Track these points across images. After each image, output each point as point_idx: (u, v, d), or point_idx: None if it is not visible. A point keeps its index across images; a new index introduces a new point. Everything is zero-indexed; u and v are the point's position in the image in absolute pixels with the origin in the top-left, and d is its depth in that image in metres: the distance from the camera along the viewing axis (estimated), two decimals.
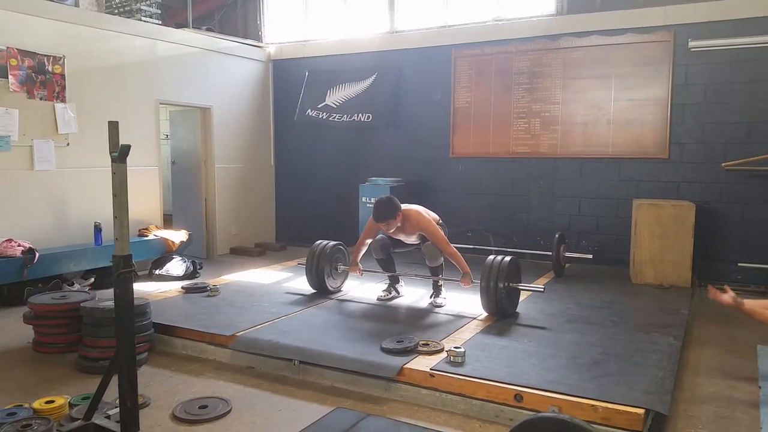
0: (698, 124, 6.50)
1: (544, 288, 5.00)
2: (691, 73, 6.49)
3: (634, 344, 4.07)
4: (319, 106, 8.61)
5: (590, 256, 6.47)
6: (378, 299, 5.30)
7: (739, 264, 6.29)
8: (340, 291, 5.58)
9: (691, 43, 6.35)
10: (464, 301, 5.15)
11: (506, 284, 4.63)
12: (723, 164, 6.26)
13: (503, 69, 7.43)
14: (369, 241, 5.31)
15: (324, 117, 8.55)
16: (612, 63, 6.82)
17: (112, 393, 2.94)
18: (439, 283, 5.23)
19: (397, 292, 5.42)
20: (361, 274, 5.43)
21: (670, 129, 6.60)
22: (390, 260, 5.40)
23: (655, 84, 6.63)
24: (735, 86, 6.31)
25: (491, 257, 4.81)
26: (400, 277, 5.52)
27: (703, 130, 6.48)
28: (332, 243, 5.54)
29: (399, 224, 4.98)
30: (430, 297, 5.23)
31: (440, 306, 5.06)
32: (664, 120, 6.62)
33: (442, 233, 5.07)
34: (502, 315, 4.68)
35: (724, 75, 6.34)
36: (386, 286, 5.45)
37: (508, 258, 4.76)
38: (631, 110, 6.77)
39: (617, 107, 6.84)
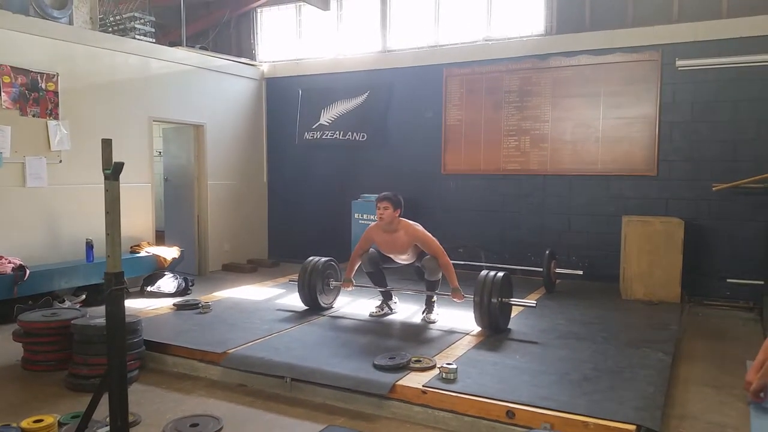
0: (686, 142, 6.59)
1: (536, 303, 5.03)
2: (679, 91, 6.59)
3: (624, 360, 4.09)
4: (314, 126, 8.70)
5: (581, 272, 6.52)
6: (370, 315, 5.31)
7: (728, 280, 6.35)
8: (332, 307, 5.58)
9: (679, 63, 6.46)
10: (456, 318, 5.17)
11: (499, 299, 4.65)
12: (713, 188, 6.31)
13: (494, 88, 7.52)
14: (360, 255, 5.34)
15: (319, 136, 8.63)
16: (601, 82, 6.92)
17: (102, 411, 2.92)
18: (433, 299, 5.23)
19: (390, 309, 5.42)
20: (352, 289, 5.45)
21: (659, 146, 6.69)
22: (380, 274, 5.40)
23: (643, 102, 6.73)
24: (721, 105, 6.41)
25: (484, 273, 4.84)
26: (393, 294, 5.52)
27: (690, 147, 6.57)
28: (324, 259, 5.55)
29: (395, 227, 5.05)
30: (423, 312, 5.23)
31: (433, 322, 5.07)
32: (652, 138, 6.71)
33: (438, 243, 5.10)
34: (494, 330, 4.70)
35: (711, 94, 6.45)
36: (379, 302, 5.46)
37: (500, 274, 4.79)
38: (620, 128, 6.86)
39: (606, 125, 6.93)
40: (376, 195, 7.77)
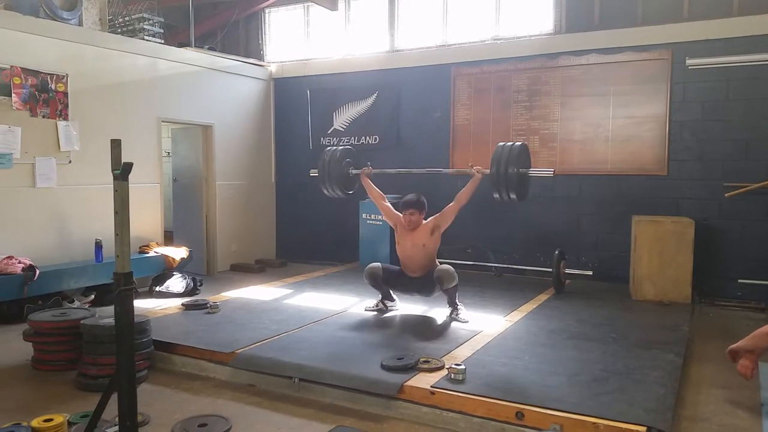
0: (696, 141, 6.54)
1: (553, 171, 5.02)
2: (689, 90, 6.54)
3: (635, 361, 4.06)
4: (329, 131, 8.71)
5: (590, 273, 6.48)
6: (366, 309, 5.41)
7: (739, 281, 6.29)
8: (354, 190, 5.89)
9: (689, 61, 6.41)
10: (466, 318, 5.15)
11: (516, 169, 4.60)
12: (726, 195, 6.21)
13: (502, 87, 7.49)
14: (381, 200, 5.53)
15: (336, 143, 8.66)
16: (610, 81, 6.88)
17: (111, 411, 2.93)
18: (456, 300, 5.19)
19: (385, 307, 5.43)
20: (371, 172, 5.69)
21: (669, 146, 6.64)
22: (378, 283, 5.39)
23: (653, 101, 6.69)
24: (732, 104, 6.35)
25: (501, 144, 4.89)
26: (393, 294, 5.52)
27: (701, 147, 6.52)
28: (341, 148, 5.75)
29: (417, 224, 5.23)
30: (450, 314, 5.18)
31: (464, 321, 5.01)
32: (662, 137, 6.66)
33: (448, 209, 5.27)
34: (513, 199, 4.75)
35: (721, 92, 6.39)
36: (376, 301, 5.50)
37: (518, 143, 4.81)
38: (630, 127, 6.82)
39: (615, 125, 6.88)
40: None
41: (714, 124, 6.45)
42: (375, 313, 5.38)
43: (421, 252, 5.23)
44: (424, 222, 5.27)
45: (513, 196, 4.76)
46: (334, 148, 5.67)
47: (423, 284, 5.25)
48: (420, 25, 8.27)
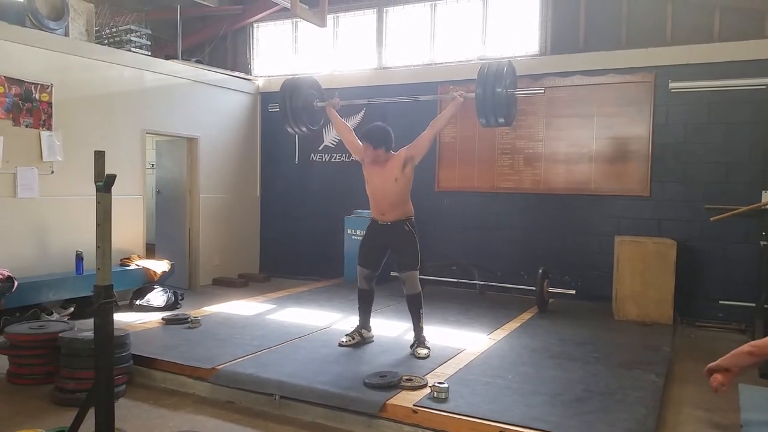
0: (678, 163, 6.63)
1: (544, 90, 4.76)
2: (672, 113, 6.65)
3: (616, 381, 4.07)
4: (320, 148, 8.71)
5: (573, 292, 6.51)
6: (339, 345, 4.81)
7: (720, 302, 6.34)
8: (319, 126, 5.30)
9: (672, 85, 6.51)
10: (447, 336, 5.14)
11: (504, 89, 4.34)
12: (711, 219, 6.18)
13: None
14: (347, 133, 5.00)
15: (327, 159, 8.69)
16: (594, 102, 6.97)
17: (88, 426, 2.87)
18: (421, 324, 4.71)
19: (362, 338, 4.92)
20: (339, 104, 5.11)
21: (652, 167, 6.73)
22: (370, 296, 4.96)
23: (636, 123, 6.78)
24: (713, 127, 6.47)
25: (486, 62, 4.53)
26: (371, 321, 5.05)
27: (683, 168, 6.61)
28: (304, 77, 5.13)
29: (385, 159, 4.74)
30: (411, 347, 4.68)
31: (423, 358, 4.49)
32: (646, 158, 6.75)
33: (422, 137, 4.73)
34: (501, 124, 4.44)
35: (704, 116, 6.51)
36: (351, 330, 4.98)
37: (505, 60, 4.53)
38: (613, 148, 6.90)
39: (599, 145, 6.97)
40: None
41: (696, 147, 6.56)
42: (348, 346, 4.81)
43: (392, 187, 4.69)
44: (394, 153, 4.76)
45: (501, 120, 4.37)
46: (295, 77, 4.98)
47: (396, 236, 4.71)
48: (408, 43, 8.34)
